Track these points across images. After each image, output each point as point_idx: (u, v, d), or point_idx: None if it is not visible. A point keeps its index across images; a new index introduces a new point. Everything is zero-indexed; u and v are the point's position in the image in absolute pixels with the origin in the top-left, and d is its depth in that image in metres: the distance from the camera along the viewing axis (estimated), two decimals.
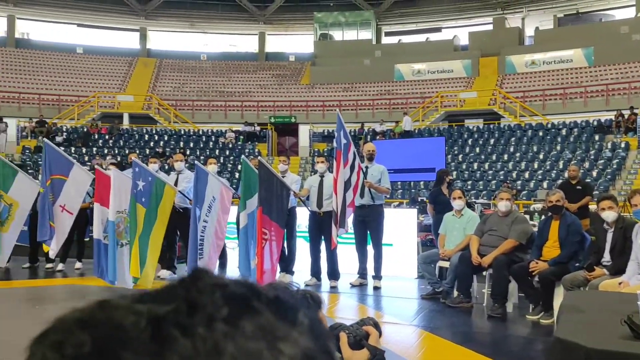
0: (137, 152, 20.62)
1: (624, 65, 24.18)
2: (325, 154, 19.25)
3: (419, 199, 13.62)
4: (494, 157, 19.71)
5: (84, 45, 32.08)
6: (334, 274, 7.12)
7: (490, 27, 30.95)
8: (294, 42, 34.21)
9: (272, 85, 29.94)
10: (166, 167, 14.92)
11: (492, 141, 20.81)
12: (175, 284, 0.41)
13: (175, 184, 7.41)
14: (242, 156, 10.55)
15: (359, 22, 32.91)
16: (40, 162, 19.79)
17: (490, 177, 18.42)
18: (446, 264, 6.24)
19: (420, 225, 9.87)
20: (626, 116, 19.50)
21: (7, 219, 7.88)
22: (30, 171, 15.17)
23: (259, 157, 6.51)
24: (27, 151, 21.32)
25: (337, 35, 33.18)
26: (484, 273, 5.91)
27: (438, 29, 32.46)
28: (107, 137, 23.42)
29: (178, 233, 7.69)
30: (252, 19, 34.15)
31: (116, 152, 21.64)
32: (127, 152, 21.56)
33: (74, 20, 32.76)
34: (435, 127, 23.06)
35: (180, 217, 7.37)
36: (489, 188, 17.37)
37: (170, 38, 34.18)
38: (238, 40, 34.74)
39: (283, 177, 7.01)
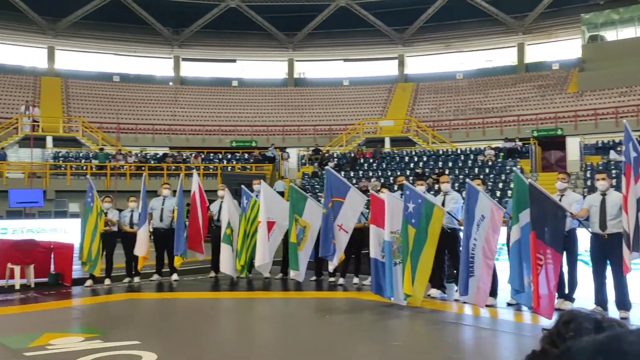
0: (399, 173, 21.58)
1: None
2: (600, 167, 17.30)
3: None
4: None
5: (349, 77, 35.22)
6: (623, 304, 6.33)
7: None
8: (557, 49, 31.81)
9: (534, 98, 28.27)
10: (435, 187, 15.27)
11: None
12: None
13: (443, 204, 7.55)
14: (514, 168, 10.22)
15: (637, 18, 28.91)
16: (316, 186, 22.44)
17: None
18: None
19: None
20: None
21: (302, 240, 9.06)
22: (309, 194, 17.17)
23: (529, 180, 6.21)
24: (306, 176, 24.17)
25: (610, 35, 29.68)
26: None
27: None
28: (371, 160, 25.10)
29: (447, 253, 7.78)
30: (510, 31, 32.94)
31: (379, 174, 23.01)
32: (389, 173, 22.77)
33: (341, 56, 36.20)
34: None
35: (448, 237, 7.48)
36: None
37: (426, 61, 35.18)
38: (494, 55, 33.84)
39: (562, 195, 6.56)
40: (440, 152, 24.99)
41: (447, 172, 22.32)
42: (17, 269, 8.96)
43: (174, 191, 10.27)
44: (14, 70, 31.32)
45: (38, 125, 24.15)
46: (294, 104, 32.87)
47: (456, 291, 7.65)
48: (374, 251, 7.42)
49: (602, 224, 6.41)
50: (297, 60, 36.28)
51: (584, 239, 6.81)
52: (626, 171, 5.72)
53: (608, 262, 6.39)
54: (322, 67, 36.46)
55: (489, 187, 20.55)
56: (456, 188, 17.54)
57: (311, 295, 8.45)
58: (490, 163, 22.55)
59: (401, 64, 35.19)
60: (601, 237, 6.40)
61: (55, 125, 25.71)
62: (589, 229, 6.58)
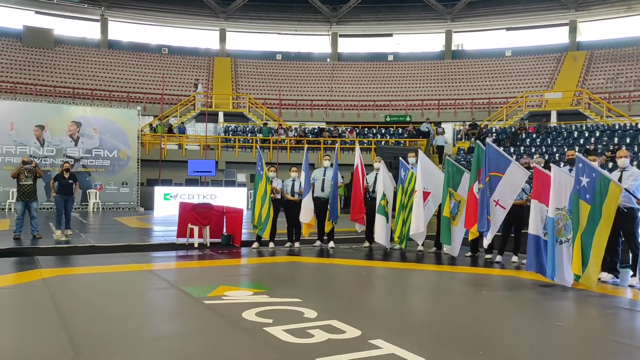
0: (566, 149, 20.00)
1: None
2: None
3: None
4: None
5: (512, 47, 33.15)
6: None
7: None
8: None
9: None
10: (610, 164, 13.93)
11: None
12: None
13: (619, 181, 6.87)
14: None
15: None
16: (472, 162, 21.55)
17: None
18: None
19: None
20: None
21: (457, 214, 8.92)
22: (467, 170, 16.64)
23: None
24: (462, 152, 23.45)
25: None
26: None
27: None
28: (534, 135, 23.53)
29: (622, 235, 7.11)
30: None
31: (543, 150, 21.51)
32: (554, 150, 21.18)
33: (503, 25, 34.16)
34: None
35: (625, 217, 6.82)
36: None
37: (602, 26, 31.80)
38: None
39: None
40: (617, 126, 22.59)
41: (624, 148, 20.10)
42: (196, 229, 10.09)
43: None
44: (191, 52, 34.61)
45: (206, 102, 26.51)
46: (450, 77, 31.91)
47: (632, 276, 6.99)
48: (534, 228, 7.04)
49: None
50: (455, 32, 35.02)
51: None
52: None
53: None
54: (481, 38, 34.79)
55: None
56: (635, 166, 15.77)
57: (466, 270, 8.30)
58: None
59: (572, 31, 32.19)
60: None
61: (226, 102, 27.99)
62: None
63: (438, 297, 6.60)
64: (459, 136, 25.50)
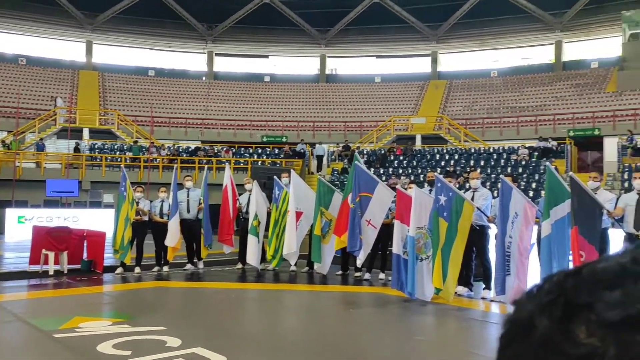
0: (429, 171, 21.36)
1: None
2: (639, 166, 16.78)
3: None
4: None
5: (381, 74, 35.01)
6: None
7: None
8: (597, 47, 30.97)
9: (571, 96, 27.60)
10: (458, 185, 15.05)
11: None
12: None
13: (472, 200, 7.43)
14: (547, 163, 10.05)
15: None
16: (345, 183, 22.35)
17: None
18: None
19: None
20: None
21: (328, 233, 9.07)
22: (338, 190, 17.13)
23: (570, 173, 6.07)
24: (335, 172, 24.15)
25: None
26: None
27: None
28: (401, 157, 24.92)
29: (474, 250, 7.67)
30: (547, 28, 32.23)
31: (410, 171, 22.83)
32: (419, 171, 22.57)
33: (373, 52, 36.02)
34: None
35: (477, 234, 7.37)
36: None
37: (459, 58, 34.74)
38: (531, 52, 33.17)
39: (595, 194, 6.38)
40: (473, 150, 24.64)
41: (479, 170, 22.02)
42: (51, 255, 9.22)
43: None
44: (53, 63, 32.19)
45: (69, 118, 24.70)
46: (325, 100, 32.88)
47: (484, 289, 7.54)
48: (396, 247, 7.37)
49: (637, 224, 6.22)
50: (329, 56, 36.26)
51: (616, 238, 6.64)
52: None
53: None
54: (354, 63, 36.36)
55: (522, 187, 20.18)
56: (487, 187, 17.29)
57: (336, 288, 8.45)
58: (523, 162, 22.11)
59: (434, 61, 34.82)
60: (635, 237, 6.22)
61: (92, 117, 26.31)
62: (624, 229, 6.40)
63: (309, 317, 6.62)
64: (333, 157, 26.27)
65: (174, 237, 9.40)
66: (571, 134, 23.78)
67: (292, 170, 9.90)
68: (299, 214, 9.37)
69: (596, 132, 23.52)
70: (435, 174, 7.37)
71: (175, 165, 11.96)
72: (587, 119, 24.43)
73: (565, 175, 19.30)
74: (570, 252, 6.02)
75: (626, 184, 17.56)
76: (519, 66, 32.65)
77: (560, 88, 28.78)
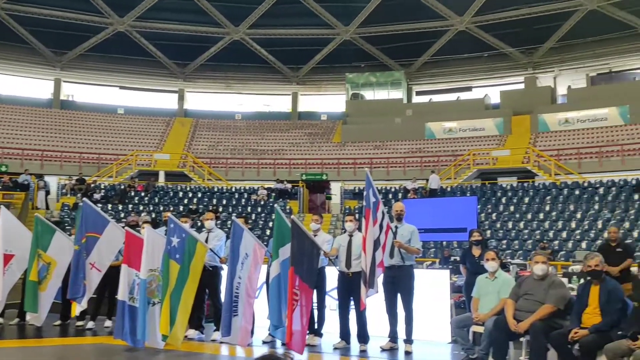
0: (172, 209, 20.98)
1: None
2: (356, 212, 19.19)
3: (452, 258, 13.35)
4: (529, 216, 19.29)
5: (125, 106, 33.46)
6: (363, 337, 6.93)
7: (521, 85, 31.09)
8: (326, 101, 35.00)
9: (304, 143, 30.41)
10: (198, 224, 15.08)
11: (526, 199, 20.43)
12: None
13: (206, 242, 7.46)
14: (275, 205, 10.64)
15: (389, 82, 33.54)
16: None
17: (525, 237, 17.97)
18: (480, 329, 6.01)
19: (454, 286, 9.62)
20: None
21: (46, 278, 8.02)
22: (68, 227, 15.53)
23: (292, 217, 6.52)
24: (66, 208, 21.90)
25: (369, 94, 33.81)
26: (521, 339, 5.66)
27: (469, 88, 32.77)
28: (143, 194, 23.95)
29: (207, 292, 7.66)
30: (286, 80, 35.18)
31: (151, 209, 22.05)
32: (162, 208, 21.96)
33: (116, 82, 34.33)
34: (468, 185, 22.84)
35: (209, 275, 7.38)
36: (525, 248, 16.91)
37: (206, 99, 35.45)
38: (272, 100, 35.74)
39: (315, 235, 6.98)
40: (216, 189, 25.08)
41: (221, 209, 22.47)
42: None
43: None
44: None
45: None
46: (58, 127, 29.89)
47: (214, 331, 7.54)
48: (122, 293, 6.91)
49: (347, 263, 7.00)
50: (64, 81, 33.30)
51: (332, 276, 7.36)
52: (366, 214, 6.38)
53: (352, 298, 6.97)
54: (94, 91, 34.06)
55: (260, 226, 21.24)
56: (228, 225, 17.70)
57: (55, 342, 7.48)
58: (262, 202, 23.36)
59: (181, 98, 34.85)
60: (346, 275, 6.97)
61: None
62: (337, 267, 7.13)
63: None
64: (64, 191, 23.83)
65: None
66: (304, 177, 26.09)
67: (1, 205, 8.55)
68: (8, 257, 8.10)
69: (324, 177, 26.27)
70: (169, 215, 7.19)
71: None
72: (317, 165, 27.15)
73: (298, 215, 21.02)
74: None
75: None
76: (261, 112, 34.81)
77: (295, 135, 31.51)
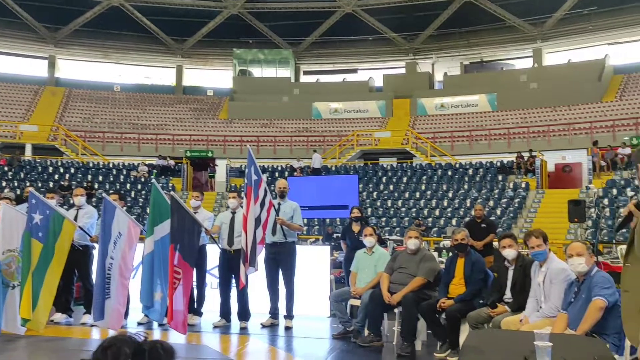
0: (40, 185, 19.42)
1: (524, 111, 26.06)
2: (241, 189, 19.00)
3: (334, 235, 13.69)
4: (406, 195, 20.33)
5: None
6: (244, 315, 6.89)
7: (403, 70, 32.45)
8: (213, 76, 34.06)
9: (189, 119, 29.45)
10: (70, 201, 14.03)
11: (405, 179, 21.50)
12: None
13: (75, 219, 6.93)
14: (152, 180, 10.16)
15: (277, 60, 33.39)
16: None
17: (403, 214, 18.93)
18: (357, 302, 6.21)
19: (335, 262, 9.87)
20: (526, 158, 20.90)
21: None
22: None
23: (172, 193, 6.24)
24: None
25: (256, 72, 33.44)
26: (395, 311, 5.93)
27: (354, 70, 33.58)
28: (6, 168, 21.86)
29: (76, 273, 7.16)
30: (170, 52, 33.69)
31: (16, 184, 20.19)
32: (28, 184, 20.18)
33: None
34: (352, 165, 23.53)
35: (79, 255, 6.88)
36: (402, 225, 17.82)
37: (81, 67, 32.93)
38: (154, 72, 34.07)
39: (195, 213, 6.75)
40: (91, 164, 23.54)
41: (97, 186, 21.12)
42: None
43: None
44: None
45: None
46: None
47: (84, 314, 7.08)
48: None
49: (230, 240, 6.88)
50: None
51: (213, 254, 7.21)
52: (247, 192, 6.28)
53: (233, 276, 6.88)
54: None
55: (141, 204, 20.28)
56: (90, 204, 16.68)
57: None
58: (143, 179, 22.33)
59: (52, 66, 32.11)
60: (228, 253, 6.86)
61: None
62: (219, 245, 6.99)
63: None
64: None
65: None
66: (188, 154, 25.31)
67: None
68: None
69: (209, 154, 25.68)
70: (31, 189, 6.57)
71: None
72: (202, 142, 26.43)
73: (181, 193, 20.36)
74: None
75: None
76: (142, 84, 33.05)
77: (180, 110, 30.39)
